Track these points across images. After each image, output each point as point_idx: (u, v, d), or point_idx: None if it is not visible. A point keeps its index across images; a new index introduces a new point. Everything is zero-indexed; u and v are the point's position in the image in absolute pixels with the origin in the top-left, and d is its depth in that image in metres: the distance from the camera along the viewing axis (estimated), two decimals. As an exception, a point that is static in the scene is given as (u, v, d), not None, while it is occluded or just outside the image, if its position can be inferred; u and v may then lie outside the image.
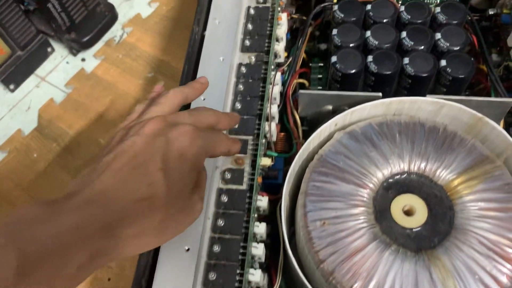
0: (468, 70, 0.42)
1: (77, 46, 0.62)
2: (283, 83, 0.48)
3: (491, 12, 0.49)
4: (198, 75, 0.44)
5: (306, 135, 0.45)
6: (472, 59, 0.42)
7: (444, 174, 0.36)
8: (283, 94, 0.47)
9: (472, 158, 0.36)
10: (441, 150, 0.37)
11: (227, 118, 0.36)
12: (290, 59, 0.49)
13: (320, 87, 0.52)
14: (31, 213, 0.25)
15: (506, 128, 0.44)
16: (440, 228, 0.34)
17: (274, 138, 0.43)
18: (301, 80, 0.50)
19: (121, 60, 0.62)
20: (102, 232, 0.27)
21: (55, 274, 0.24)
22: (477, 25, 0.48)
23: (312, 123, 0.46)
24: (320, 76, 0.53)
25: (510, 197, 0.35)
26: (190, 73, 0.45)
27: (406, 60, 0.43)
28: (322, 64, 0.54)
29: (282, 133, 0.46)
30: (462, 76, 0.42)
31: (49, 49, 0.64)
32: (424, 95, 0.45)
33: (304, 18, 0.54)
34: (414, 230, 0.34)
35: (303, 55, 0.51)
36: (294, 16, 0.54)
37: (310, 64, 0.54)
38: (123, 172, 0.28)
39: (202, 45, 0.47)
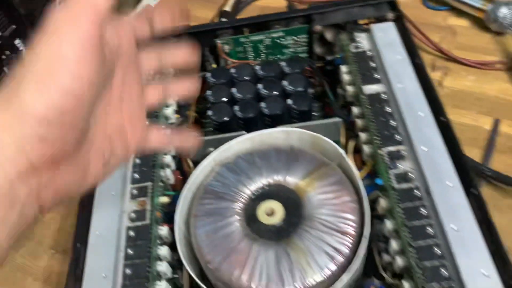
0: (307, 103, 0.55)
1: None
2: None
3: (328, 58, 0.64)
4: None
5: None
6: (312, 96, 0.56)
7: (292, 180, 0.48)
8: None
9: (312, 164, 0.49)
10: (288, 163, 0.49)
11: None
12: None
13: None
14: None
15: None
16: (294, 220, 0.45)
17: (171, 182, 0.54)
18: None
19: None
20: None
21: None
22: (316, 70, 0.62)
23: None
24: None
25: (341, 188, 0.46)
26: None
27: (263, 104, 0.56)
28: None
29: (181, 177, 0.57)
30: (305, 108, 0.55)
31: None
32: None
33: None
34: (275, 225, 0.45)
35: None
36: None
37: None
38: None
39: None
